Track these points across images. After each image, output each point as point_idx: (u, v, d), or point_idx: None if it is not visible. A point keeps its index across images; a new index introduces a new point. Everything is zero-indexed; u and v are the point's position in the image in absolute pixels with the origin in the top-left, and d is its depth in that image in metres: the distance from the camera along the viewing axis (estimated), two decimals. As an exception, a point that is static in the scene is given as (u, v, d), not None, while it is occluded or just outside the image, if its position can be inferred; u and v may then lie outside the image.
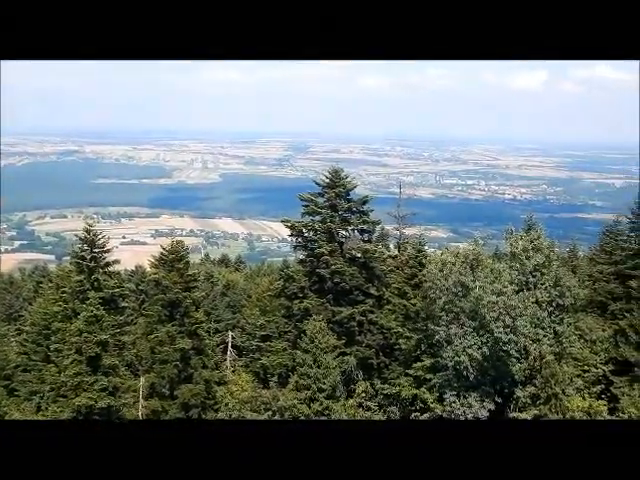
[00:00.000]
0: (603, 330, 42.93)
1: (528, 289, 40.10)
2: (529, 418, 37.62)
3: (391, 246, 53.44)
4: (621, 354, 41.12)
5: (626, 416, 37.60)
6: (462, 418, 37.73)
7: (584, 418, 36.73)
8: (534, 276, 40.25)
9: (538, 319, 39.26)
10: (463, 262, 40.01)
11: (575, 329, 41.94)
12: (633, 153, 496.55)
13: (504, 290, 38.15)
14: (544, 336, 39.29)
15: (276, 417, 37.97)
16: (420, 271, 44.11)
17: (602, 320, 44.10)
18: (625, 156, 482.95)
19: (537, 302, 39.51)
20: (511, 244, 41.78)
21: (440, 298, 39.64)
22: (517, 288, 39.70)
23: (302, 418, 36.82)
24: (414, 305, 43.55)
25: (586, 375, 40.95)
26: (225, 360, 47.06)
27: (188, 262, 43.03)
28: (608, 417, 38.82)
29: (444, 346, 39.43)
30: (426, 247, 50.09)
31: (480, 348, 38.39)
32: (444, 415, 38.66)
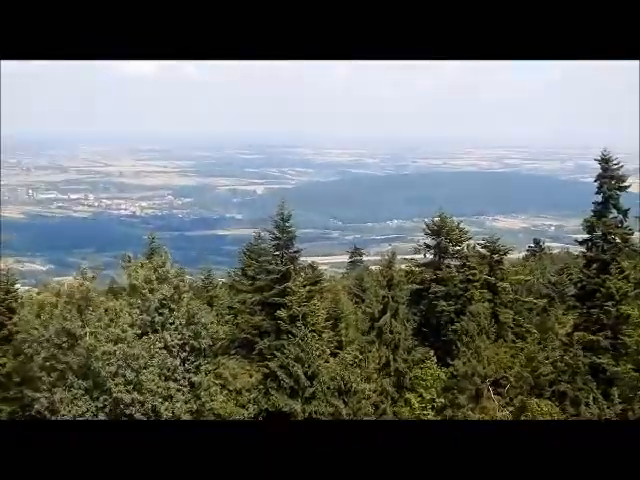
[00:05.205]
0: (250, 375, 39.05)
1: (154, 331, 36.62)
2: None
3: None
4: (273, 403, 36.33)
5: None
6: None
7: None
8: (161, 314, 36.77)
9: (168, 369, 35.82)
10: (68, 303, 36.96)
11: (215, 377, 38.16)
12: (270, 152, 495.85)
13: (123, 335, 35.15)
14: (177, 390, 35.87)
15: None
16: (10, 319, 40.46)
17: (248, 363, 40.33)
18: (262, 156, 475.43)
19: (166, 347, 36.11)
20: (130, 274, 38.54)
21: (39, 353, 35.78)
22: (140, 331, 36.49)
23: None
24: (3, 366, 39.03)
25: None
26: None
27: None
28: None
29: (47, 418, 34.96)
30: (17, 285, 45.85)
31: (96, 415, 34.63)
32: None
